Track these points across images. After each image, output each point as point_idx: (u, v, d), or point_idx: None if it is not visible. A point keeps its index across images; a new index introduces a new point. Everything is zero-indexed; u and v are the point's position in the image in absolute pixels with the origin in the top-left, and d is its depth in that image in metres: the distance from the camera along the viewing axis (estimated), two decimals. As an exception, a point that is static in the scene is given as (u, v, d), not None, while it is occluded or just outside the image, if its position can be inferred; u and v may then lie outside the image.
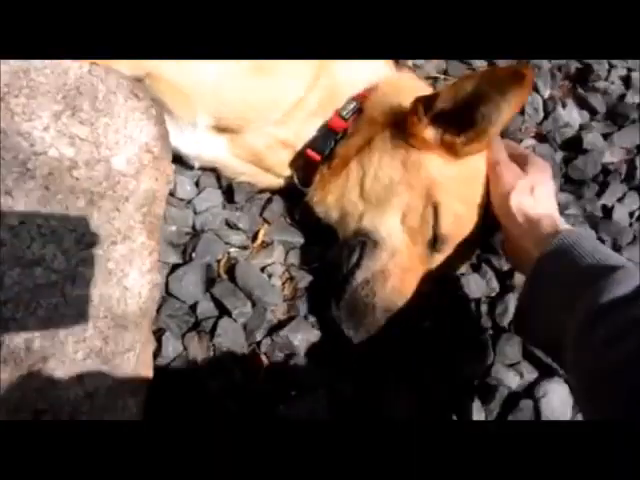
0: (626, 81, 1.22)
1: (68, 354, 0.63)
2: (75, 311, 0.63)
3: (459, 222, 0.87)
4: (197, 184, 1.07)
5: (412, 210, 0.87)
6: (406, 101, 0.87)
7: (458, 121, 0.83)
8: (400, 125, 0.89)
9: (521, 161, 0.88)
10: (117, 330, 0.67)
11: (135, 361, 0.72)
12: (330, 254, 0.99)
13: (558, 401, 0.88)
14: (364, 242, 0.89)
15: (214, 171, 1.07)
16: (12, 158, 0.55)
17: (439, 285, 0.97)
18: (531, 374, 0.91)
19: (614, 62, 1.25)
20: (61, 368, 0.63)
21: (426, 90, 0.95)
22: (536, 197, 0.83)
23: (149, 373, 0.77)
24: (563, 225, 0.79)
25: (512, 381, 0.90)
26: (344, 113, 0.94)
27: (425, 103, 0.84)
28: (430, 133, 0.86)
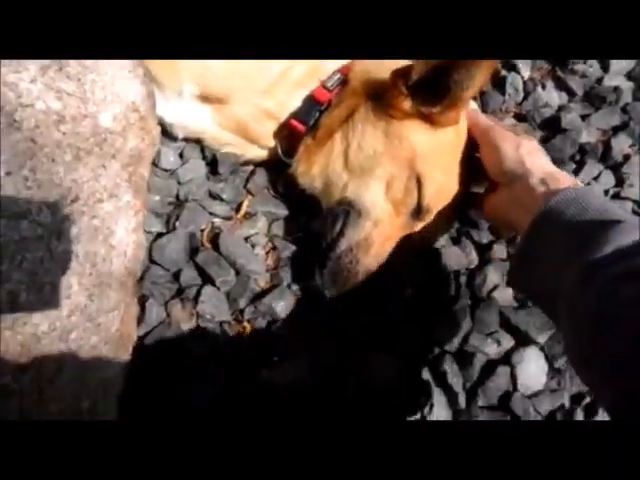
0: (604, 65, 1.25)
1: (53, 309, 0.63)
2: (60, 266, 0.63)
3: (441, 191, 0.89)
4: (181, 155, 1.07)
5: (395, 180, 0.89)
6: (387, 73, 0.88)
7: (434, 90, 0.84)
8: (381, 97, 0.90)
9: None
10: (102, 288, 0.68)
11: (119, 321, 0.72)
12: (314, 224, 1.00)
13: (534, 368, 0.90)
14: (348, 211, 0.90)
15: (199, 143, 1.08)
16: (-2, 108, 0.55)
17: (420, 258, 0.99)
18: (508, 342, 0.93)
19: (592, 45, 1.28)
20: (45, 323, 0.63)
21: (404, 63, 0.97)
22: (545, 158, 0.85)
23: (133, 334, 0.78)
24: (580, 184, 0.79)
25: (490, 349, 0.92)
26: (329, 84, 0.95)
27: (402, 75, 0.85)
28: (409, 104, 0.87)
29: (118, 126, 0.65)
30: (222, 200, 1.03)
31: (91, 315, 0.68)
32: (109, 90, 0.64)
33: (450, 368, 0.90)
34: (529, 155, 0.82)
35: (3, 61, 0.56)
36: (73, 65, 0.61)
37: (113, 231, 0.67)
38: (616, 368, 0.55)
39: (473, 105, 0.95)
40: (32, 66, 0.58)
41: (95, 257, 0.66)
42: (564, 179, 0.78)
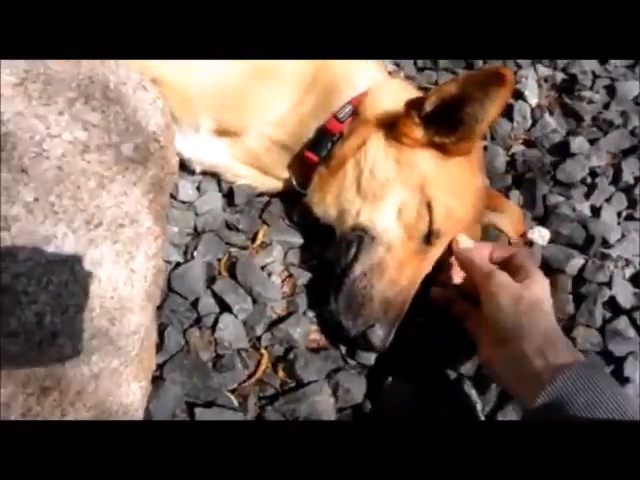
0: (610, 90, 1.28)
1: (75, 332, 0.65)
2: (83, 289, 0.65)
3: (452, 217, 0.91)
4: (198, 188, 1.11)
5: (407, 206, 0.91)
6: (398, 104, 0.92)
7: (447, 121, 0.87)
8: (393, 126, 0.93)
9: (521, 271, 0.82)
10: (123, 312, 0.69)
11: (139, 345, 0.74)
12: (328, 252, 1.01)
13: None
14: (361, 237, 0.92)
15: (215, 176, 1.11)
16: (29, 138, 0.58)
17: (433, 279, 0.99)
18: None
19: (598, 72, 1.31)
20: (69, 346, 0.64)
21: (415, 94, 1.00)
22: (546, 312, 0.78)
23: (152, 359, 0.79)
24: (579, 355, 0.72)
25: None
26: (340, 115, 0.98)
27: (416, 105, 0.88)
28: (421, 133, 0.91)
29: (139, 155, 0.68)
30: (238, 230, 1.05)
31: (112, 338, 0.69)
32: (131, 121, 0.68)
33: (469, 392, 0.89)
34: (527, 313, 0.75)
35: (34, 94, 0.60)
36: (98, 98, 0.65)
37: (134, 256, 0.69)
38: None
39: (467, 243, 0.92)
40: (60, 98, 0.62)
41: (116, 281, 0.68)
42: (564, 348, 0.73)
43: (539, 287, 0.80)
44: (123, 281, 0.69)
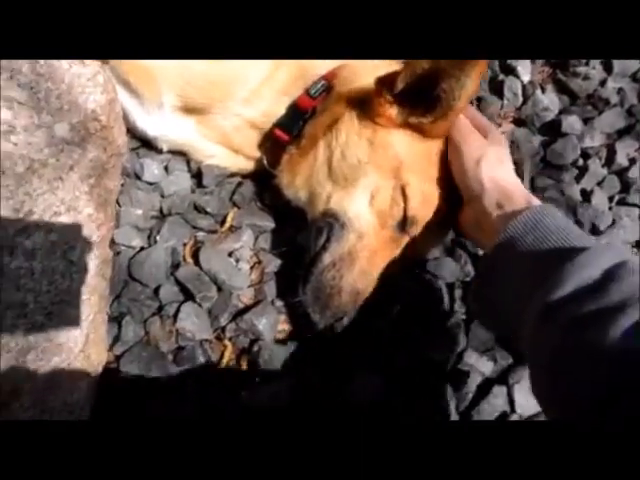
0: (607, 66, 1.20)
1: (6, 328, 0.60)
2: (14, 284, 0.59)
3: (427, 202, 0.84)
4: (166, 168, 1.05)
5: (380, 191, 0.84)
6: (373, 79, 0.85)
7: (423, 100, 0.80)
8: (367, 104, 0.86)
9: (481, 131, 0.84)
10: (61, 306, 0.64)
11: (84, 340, 0.69)
12: (300, 237, 0.96)
13: (532, 387, 0.84)
14: (332, 224, 0.86)
15: (184, 155, 1.05)
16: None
17: (411, 269, 0.94)
18: (505, 360, 0.88)
19: (594, 46, 1.23)
20: (-2, 344, 0.59)
21: (392, 69, 0.93)
22: (506, 167, 0.80)
23: (102, 353, 0.74)
24: (534, 200, 0.75)
25: (485, 367, 0.87)
26: (312, 92, 0.91)
27: (387, 82, 0.81)
28: (395, 111, 0.83)
29: (76, 136, 0.62)
30: (207, 213, 1.00)
31: (50, 335, 0.64)
32: (66, 99, 0.61)
33: (443, 388, 0.85)
34: (488, 171, 0.78)
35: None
36: (25, 72, 0.58)
37: (73, 246, 0.64)
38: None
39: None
40: (-20, 74, 0.56)
41: (53, 273, 0.63)
42: (519, 197, 0.75)
43: (499, 142, 0.83)
44: (60, 273, 0.63)
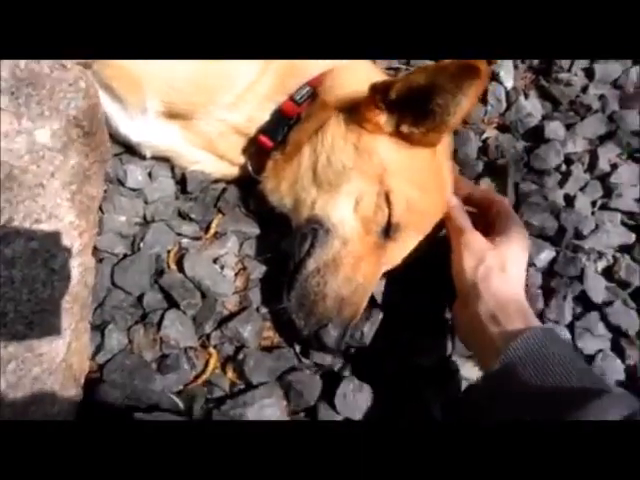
0: (588, 72, 1.21)
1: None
2: (-8, 292, 0.58)
3: (413, 209, 0.84)
4: (150, 174, 1.04)
5: (365, 197, 0.84)
6: (361, 86, 0.85)
7: (414, 110, 0.81)
8: (354, 109, 0.86)
9: (503, 223, 0.84)
10: (42, 315, 0.63)
11: (65, 350, 0.68)
12: (285, 243, 0.96)
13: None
14: (316, 230, 0.85)
15: (168, 161, 1.04)
16: None
17: (396, 275, 0.94)
18: (490, 365, 0.88)
19: (576, 53, 1.25)
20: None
21: (380, 76, 0.93)
22: (507, 276, 0.79)
23: (84, 362, 0.73)
24: (532, 319, 0.74)
25: (470, 372, 0.87)
26: (297, 97, 0.91)
27: (381, 90, 0.81)
28: (384, 119, 0.84)
29: (57, 142, 0.62)
30: (191, 219, 0.99)
31: (31, 345, 0.63)
32: (46, 105, 0.60)
33: (429, 393, 0.85)
34: (485, 279, 0.78)
35: None
36: (5, 78, 0.57)
37: (53, 254, 0.63)
38: None
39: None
40: (-43, 80, 0.55)
41: (33, 282, 0.62)
42: (515, 311, 0.74)
43: (508, 246, 0.81)
44: (41, 282, 0.62)
